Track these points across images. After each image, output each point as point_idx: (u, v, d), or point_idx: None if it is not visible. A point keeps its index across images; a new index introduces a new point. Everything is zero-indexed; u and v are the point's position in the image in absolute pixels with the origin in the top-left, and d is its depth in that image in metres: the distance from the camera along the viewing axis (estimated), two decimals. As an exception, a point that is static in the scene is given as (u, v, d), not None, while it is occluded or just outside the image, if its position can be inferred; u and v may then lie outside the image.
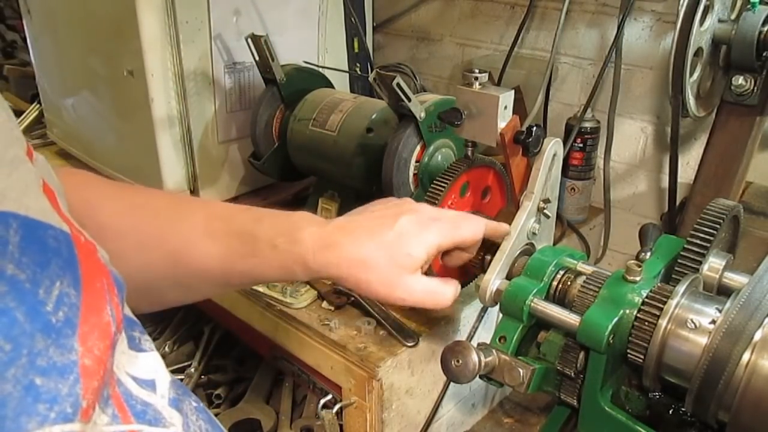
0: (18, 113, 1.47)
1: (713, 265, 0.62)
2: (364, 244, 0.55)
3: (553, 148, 0.69)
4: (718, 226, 0.60)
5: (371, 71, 0.83)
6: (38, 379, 0.28)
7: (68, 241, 0.32)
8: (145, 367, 0.39)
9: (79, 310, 0.31)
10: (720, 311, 0.53)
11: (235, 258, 0.55)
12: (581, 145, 1.14)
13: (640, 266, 0.58)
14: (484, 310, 0.87)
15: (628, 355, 0.56)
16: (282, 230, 0.55)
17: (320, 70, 1.12)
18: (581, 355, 0.58)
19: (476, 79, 0.69)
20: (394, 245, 0.56)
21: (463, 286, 0.83)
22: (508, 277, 0.68)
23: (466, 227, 0.61)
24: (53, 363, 0.29)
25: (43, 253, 0.30)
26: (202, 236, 0.55)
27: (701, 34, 0.90)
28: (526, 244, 0.70)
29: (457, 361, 0.57)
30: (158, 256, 0.56)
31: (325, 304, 0.87)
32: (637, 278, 0.57)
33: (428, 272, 0.76)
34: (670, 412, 0.60)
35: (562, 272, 0.64)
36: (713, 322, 0.52)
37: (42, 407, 0.28)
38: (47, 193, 0.34)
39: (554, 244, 0.75)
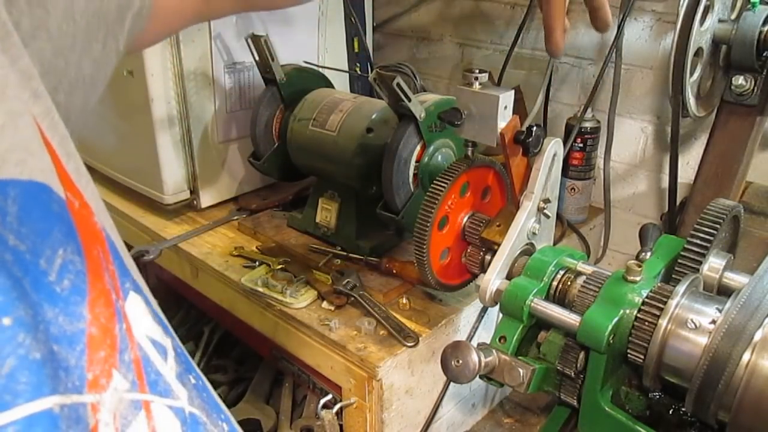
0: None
1: (713, 265, 0.63)
2: None
3: (553, 148, 0.69)
4: (718, 226, 0.60)
5: (371, 71, 0.83)
6: (55, 346, 0.28)
7: (65, 207, 0.32)
8: (161, 332, 0.39)
9: (86, 276, 0.31)
10: (720, 311, 0.53)
11: None
12: (581, 145, 1.14)
13: (640, 266, 0.58)
14: (484, 310, 0.87)
15: (628, 355, 0.56)
16: None
17: (320, 70, 1.12)
18: (581, 355, 0.58)
19: (476, 79, 0.69)
20: None
21: (463, 286, 0.83)
22: (508, 277, 0.68)
23: None
24: (64, 331, 0.29)
25: (44, 220, 0.30)
26: None
27: (701, 34, 0.90)
28: (526, 244, 0.70)
29: (457, 361, 0.57)
30: None
31: (325, 304, 0.87)
32: (637, 278, 0.57)
33: (430, 271, 0.76)
34: (670, 412, 0.60)
35: (562, 272, 0.64)
36: (713, 322, 0.52)
37: (62, 374, 0.28)
38: (47, 146, 0.33)
39: (554, 244, 0.75)
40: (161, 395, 0.35)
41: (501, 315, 0.63)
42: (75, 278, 0.30)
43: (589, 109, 1.13)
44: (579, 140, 1.14)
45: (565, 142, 1.12)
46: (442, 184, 0.73)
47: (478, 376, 0.58)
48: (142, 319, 0.36)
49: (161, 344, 0.37)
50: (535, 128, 0.68)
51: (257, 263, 0.96)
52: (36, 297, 0.28)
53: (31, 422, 0.25)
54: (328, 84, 1.10)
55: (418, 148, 0.86)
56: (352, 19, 1.23)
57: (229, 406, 0.81)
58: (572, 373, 0.59)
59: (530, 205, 0.69)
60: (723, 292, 0.62)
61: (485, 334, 0.88)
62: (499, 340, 0.61)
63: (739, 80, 0.92)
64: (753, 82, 0.92)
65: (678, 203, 1.09)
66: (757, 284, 0.52)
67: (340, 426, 0.84)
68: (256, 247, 1.01)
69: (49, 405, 0.26)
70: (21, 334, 0.26)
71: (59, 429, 0.26)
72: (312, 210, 1.03)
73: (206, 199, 1.12)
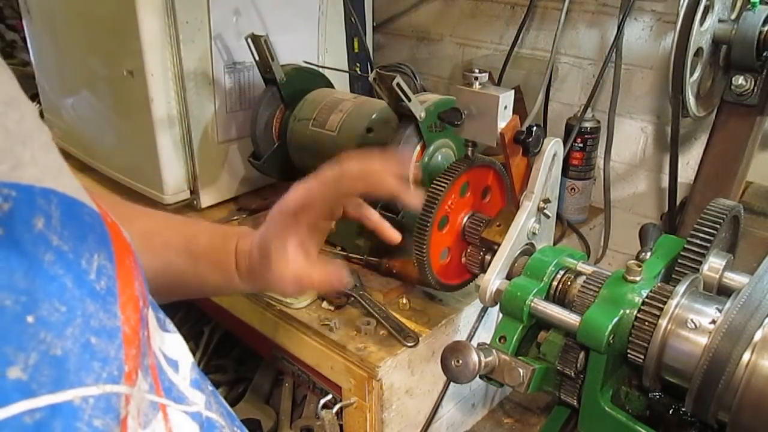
0: (18, 113, 1.47)
1: (713, 265, 0.63)
2: None
3: (553, 148, 0.69)
4: (718, 226, 0.60)
5: (371, 71, 0.83)
6: (93, 338, 0.30)
7: (99, 219, 0.34)
8: (171, 346, 0.40)
9: (116, 281, 0.33)
10: (720, 311, 0.53)
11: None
12: (581, 145, 1.14)
13: (640, 266, 0.58)
14: (484, 310, 0.87)
15: (628, 355, 0.56)
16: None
17: (320, 70, 1.12)
18: (581, 355, 0.58)
19: (476, 79, 0.69)
20: None
21: (463, 286, 0.83)
22: (508, 277, 0.68)
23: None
24: (103, 325, 0.31)
25: (80, 227, 0.32)
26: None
27: (701, 34, 0.90)
28: (526, 244, 0.70)
29: (457, 361, 0.57)
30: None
31: (325, 304, 0.87)
32: (637, 278, 0.57)
33: (430, 271, 0.76)
34: (670, 412, 0.60)
35: (562, 272, 0.64)
36: (713, 322, 0.52)
37: (97, 365, 0.29)
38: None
39: (554, 244, 0.75)
40: (176, 401, 0.37)
41: (501, 315, 0.63)
42: (108, 281, 0.32)
43: (589, 109, 1.13)
44: (579, 140, 1.14)
45: (565, 142, 1.12)
46: (442, 184, 0.73)
47: (478, 376, 0.58)
48: (155, 332, 0.38)
49: (172, 359, 0.39)
50: (535, 128, 0.68)
51: (257, 263, 0.96)
52: (78, 292, 0.30)
53: (53, 411, 0.27)
54: (328, 84, 1.10)
55: (418, 148, 0.86)
56: (352, 19, 1.23)
57: (229, 406, 0.81)
58: (572, 373, 0.59)
59: (530, 205, 0.69)
60: (723, 292, 0.62)
61: (485, 334, 0.88)
62: (499, 340, 0.61)
63: (739, 80, 0.92)
64: (753, 82, 0.92)
65: (678, 203, 1.09)
66: (757, 284, 0.52)
67: (340, 426, 0.84)
68: (256, 247, 1.01)
69: (69, 397, 0.27)
70: (42, 332, 0.28)
71: (80, 420, 0.27)
72: (312, 210, 1.03)
73: (206, 199, 1.12)
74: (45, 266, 0.29)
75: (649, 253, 0.63)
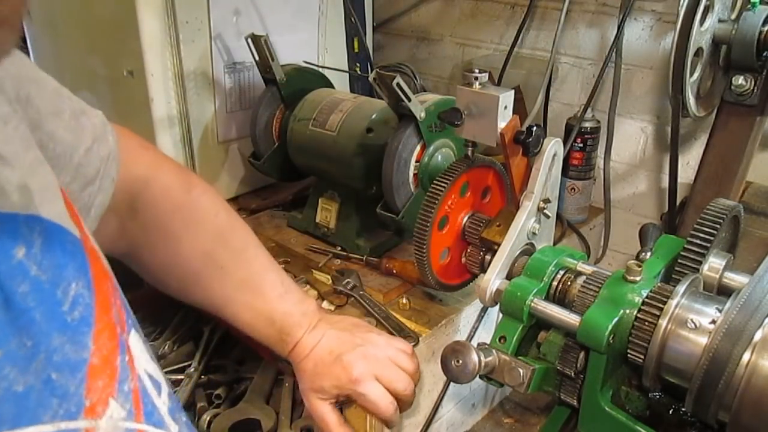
0: (18, 113, 1.47)
1: (713, 265, 0.62)
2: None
3: (553, 148, 0.69)
4: (718, 226, 0.60)
5: (371, 71, 0.83)
6: (54, 373, 0.29)
7: (80, 245, 0.34)
8: (155, 368, 0.40)
9: (93, 309, 0.33)
10: (720, 311, 0.53)
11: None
12: (581, 145, 1.14)
13: (640, 266, 0.58)
14: (484, 310, 0.87)
15: (628, 355, 0.56)
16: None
17: (320, 70, 1.12)
18: (581, 355, 0.58)
19: (476, 79, 0.69)
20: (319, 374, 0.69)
21: (463, 286, 0.83)
22: (508, 277, 0.68)
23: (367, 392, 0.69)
24: (67, 359, 0.30)
25: (62, 254, 0.32)
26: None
27: (701, 34, 0.90)
28: (526, 244, 0.70)
29: (457, 361, 0.57)
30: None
31: (325, 304, 0.87)
32: (637, 278, 0.57)
33: (430, 271, 0.76)
34: (670, 412, 0.60)
35: (562, 272, 0.64)
36: (713, 322, 0.52)
37: (55, 401, 0.29)
38: (63, 194, 0.36)
39: (554, 244, 0.75)
40: (155, 426, 0.36)
41: (501, 315, 0.63)
42: (84, 310, 0.32)
43: (589, 109, 1.13)
44: (579, 140, 1.14)
45: (565, 142, 1.12)
46: (442, 184, 0.73)
47: (478, 376, 0.58)
48: (141, 355, 0.38)
49: (157, 380, 0.39)
50: (535, 128, 0.68)
51: (257, 263, 0.96)
52: (45, 326, 0.30)
53: None
54: (328, 84, 1.10)
55: (418, 148, 0.86)
56: (352, 19, 1.23)
57: (229, 406, 0.80)
58: (572, 373, 0.59)
59: (530, 205, 0.69)
60: (723, 292, 0.62)
61: (485, 334, 0.88)
62: (499, 340, 0.61)
63: (739, 80, 0.92)
64: (753, 82, 0.92)
65: (678, 203, 1.09)
66: (757, 284, 0.52)
67: (340, 426, 0.84)
68: (256, 247, 1.01)
69: None
70: (7, 368, 0.27)
71: None
72: (312, 210, 1.03)
73: (206, 199, 1.12)
74: (17, 298, 0.28)
75: (649, 253, 0.63)
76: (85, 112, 0.54)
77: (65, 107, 0.50)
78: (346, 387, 0.69)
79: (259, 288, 0.70)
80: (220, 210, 0.70)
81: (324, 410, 0.70)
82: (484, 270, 0.70)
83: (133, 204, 0.64)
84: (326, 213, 1.01)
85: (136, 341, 0.38)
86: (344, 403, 0.73)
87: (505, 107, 0.68)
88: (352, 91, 1.29)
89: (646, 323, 0.54)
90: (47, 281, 0.30)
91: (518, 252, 0.69)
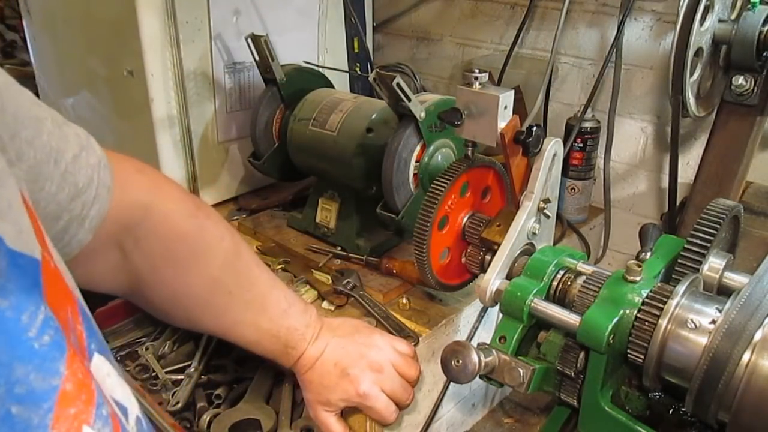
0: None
1: (713, 265, 0.62)
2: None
3: (553, 148, 0.69)
4: (718, 226, 0.60)
5: (371, 71, 0.83)
6: (14, 407, 0.28)
7: (36, 269, 0.32)
8: (121, 392, 0.39)
9: (63, 333, 0.31)
10: (720, 311, 0.53)
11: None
12: (581, 145, 1.14)
13: (640, 266, 0.58)
14: (484, 310, 0.87)
15: (628, 355, 0.56)
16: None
17: (320, 70, 1.12)
18: (581, 355, 0.58)
19: (476, 79, 0.69)
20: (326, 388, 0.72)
21: (463, 286, 0.83)
22: (508, 277, 0.68)
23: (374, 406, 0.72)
24: (31, 390, 0.29)
25: (30, 276, 0.30)
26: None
27: (701, 34, 0.90)
28: (526, 244, 0.70)
29: (457, 361, 0.57)
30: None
31: (325, 304, 0.87)
32: (637, 278, 0.57)
33: (430, 271, 0.76)
34: (670, 412, 0.60)
35: (562, 272, 0.64)
36: (713, 322, 0.52)
37: None
38: (27, 207, 0.33)
39: (554, 244, 0.75)
40: None
41: (501, 315, 0.63)
42: (55, 334, 0.30)
43: (589, 109, 1.13)
44: (579, 140, 1.14)
45: (565, 142, 1.12)
46: (442, 184, 0.73)
47: (478, 376, 0.58)
48: (106, 379, 0.37)
49: (123, 405, 0.38)
50: (535, 128, 0.68)
51: (257, 263, 0.96)
52: (6, 357, 0.28)
53: None
54: (328, 84, 1.10)
55: (418, 148, 0.86)
56: (352, 19, 1.23)
57: (229, 406, 0.80)
58: (572, 373, 0.59)
59: (530, 205, 0.69)
60: (723, 292, 0.62)
61: (485, 334, 0.88)
62: (499, 340, 0.61)
63: (739, 80, 0.92)
64: (753, 82, 0.92)
65: (678, 203, 1.09)
66: (757, 284, 0.52)
67: (340, 426, 0.84)
68: (256, 247, 1.01)
69: None
70: None
71: None
72: (312, 210, 1.03)
73: (206, 199, 1.12)
74: None
75: (649, 253, 0.63)
76: (67, 122, 0.52)
77: (46, 115, 0.48)
78: (354, 400, 0.71)
79: (263, 307, 0.70)
80: (225, 234, 0.69)
81: (330, 421, 0.73)
82: (484, 270, 0.70)
83: (134, 232, 0.61)
84: (326, 213, 1.01)
85: (99, 367, 0.36)
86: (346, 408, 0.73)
87: (505, 107, 0.68)
88: (352, 91, 1.30)
89: (646, 323, 0.55)
90: (10, 307, 0.28)
91: (518, 252, 0.69)
